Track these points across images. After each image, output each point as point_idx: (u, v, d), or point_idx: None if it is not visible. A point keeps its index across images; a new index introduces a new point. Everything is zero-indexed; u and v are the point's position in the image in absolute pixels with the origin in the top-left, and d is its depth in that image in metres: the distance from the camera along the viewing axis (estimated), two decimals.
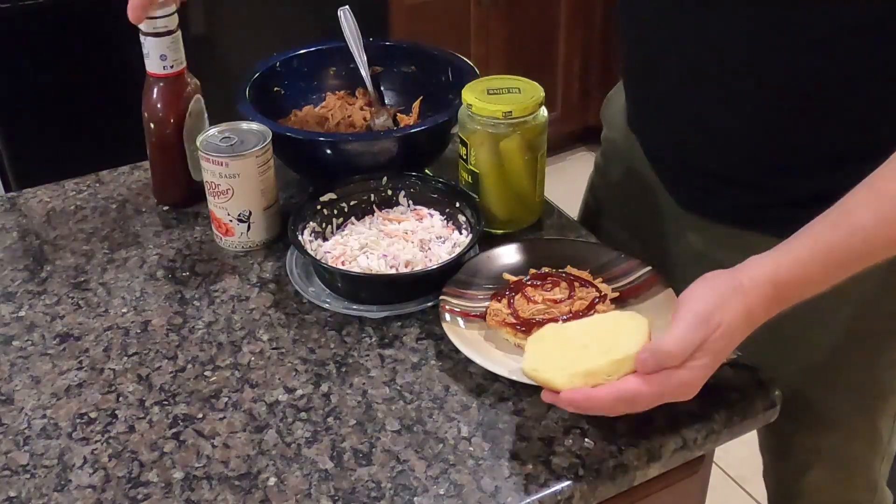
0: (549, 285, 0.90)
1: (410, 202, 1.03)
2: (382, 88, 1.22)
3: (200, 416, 0.81)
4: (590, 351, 0.76)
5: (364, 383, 0.84)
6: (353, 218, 1.02)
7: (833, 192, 0.73)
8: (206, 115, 1.09)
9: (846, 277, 0.74)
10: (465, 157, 1.01)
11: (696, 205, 0.98)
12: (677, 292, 0.88)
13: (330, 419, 0.80)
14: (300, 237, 0.96)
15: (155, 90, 1.04)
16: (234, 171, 0.97)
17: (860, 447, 1.01)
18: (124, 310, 0.94)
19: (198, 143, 0.99)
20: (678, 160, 0.97)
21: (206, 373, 0.86)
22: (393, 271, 0.93)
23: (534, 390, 0.82)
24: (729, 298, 0.71)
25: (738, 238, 0.92)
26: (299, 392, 0.83)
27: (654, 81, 0.96)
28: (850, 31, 0.79)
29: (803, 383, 0.96)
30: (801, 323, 0.93)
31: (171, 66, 1.02)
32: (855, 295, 0.90)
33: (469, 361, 0.84)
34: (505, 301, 0.88)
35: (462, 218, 1.00)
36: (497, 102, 0.96)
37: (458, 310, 0.89)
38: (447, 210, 1.01)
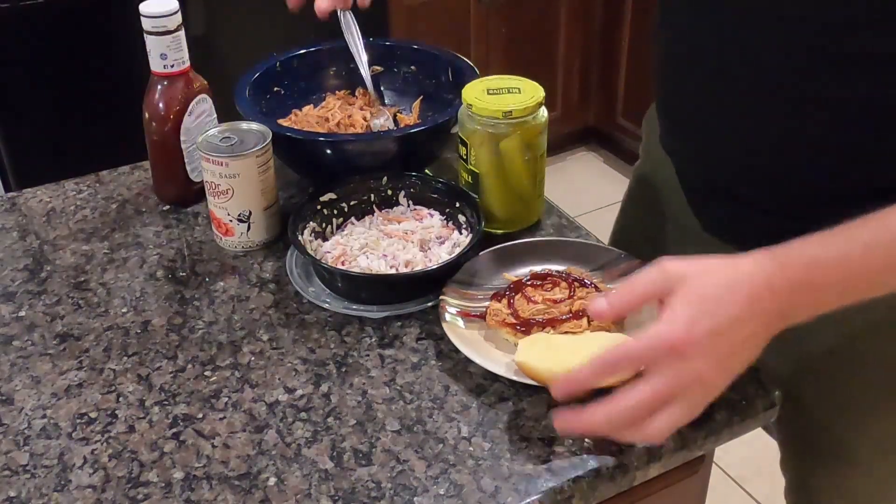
0: (549, 285, 0.90)
1: (410, 202, 1.03)
2: (382, 88, 1.22)
3: (200, 416, 0.81)
4: (581, 353, 0.78)
5: (364, 383, 0.84)
6: (353, 218, 1.02)
7: None
8: (213, 114, 1.09)
9: (880, 287, 0.69)
10: (465, 157, 1.01)
11: (721, 229, 0.95)
12: None
13: (330, 419, 0.80)
14: (300, 237, 0.96)
15: (156, 89, 1.04)
16: (234, 171, 0.97)
17: (874, 486, 1.00)
18: (124, 310, 0.94)
19: (198, 143, 0.99)
20: (706, 182, 0.94)
21: (206, 373, 0.86)
22: (393, 271, 0.93)
23: (534, 390, 0.82)
24: (724, 288, 0.66)
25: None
26: (299, 392, 0.83)
27: (687, 100, 0.92)
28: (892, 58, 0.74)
29: (832, 421, 0.96)
30: (839, 361, 0.92)
31: (172, 66, 1.03)
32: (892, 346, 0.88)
33: (469, 361, 0.84)
34: (505, 301, 0.88)
35: (462, 218, 1.00)
36: (497, 102, 0.96)
37: (458, 310, 0.89)
38: (447, 210, 1.01)
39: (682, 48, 0.91)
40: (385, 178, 1.03)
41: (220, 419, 0.81)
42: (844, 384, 0.93)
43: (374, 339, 0.89)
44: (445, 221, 1.01)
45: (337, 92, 1.21)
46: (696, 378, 0.66)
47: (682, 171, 1.00)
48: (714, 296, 0.65)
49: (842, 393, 0.94)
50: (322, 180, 1.04)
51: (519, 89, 0.99)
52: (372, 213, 1.03)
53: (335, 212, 1.01)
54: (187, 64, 1.04)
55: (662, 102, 1.00)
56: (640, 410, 0.67)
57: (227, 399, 0.83)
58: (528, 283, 0.91)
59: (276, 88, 1.18)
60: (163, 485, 0.75)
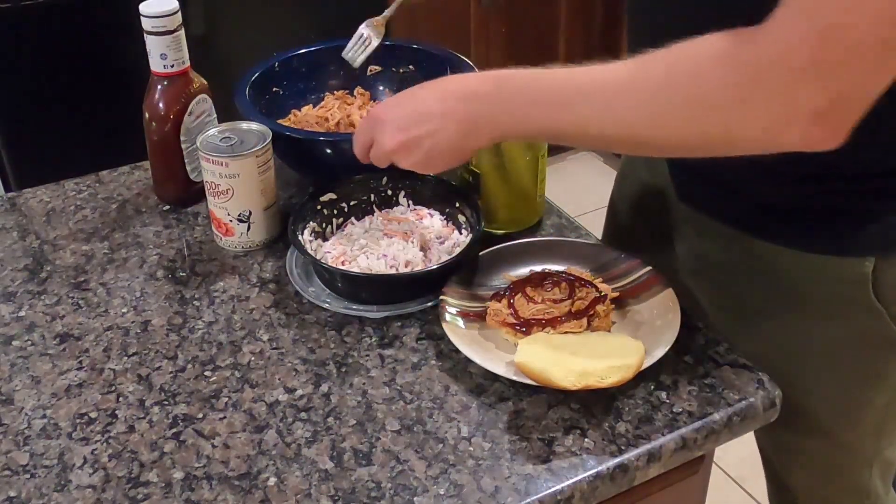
0: (549, 285, 0.90)
1: (410, 202, 1.03)
2: (382, 88, 1.22)
3: (200, 416, 0.81)
4: (581, 353, 0.80)
5: (364, 383, 0.84)
6: (353, 218, 1.02)
7: (849, 208, 0.70)
8: (213, 114, 1.09)
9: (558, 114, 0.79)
10: None
11: (708, 208, 0.96)
12: (678, 293, 0.89)
13: (330, 419, 0.80)
14: (300, 237, 0.96)
15: (156, 89, 1.04)
16: (234, 171, 0.97)
17: (841, 455, 1.00)
18: (124, 310, 0.94)
19: (198, 143, 0.99)
20: (692, 166, 0.95)
21: (206, 373, 0.86)
22: (393, 271, 0.93)
23: (534, 390, 0.82)
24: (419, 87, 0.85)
25: (742, 242, 0.92)
26: (299, 392, 0.83)
27: None
28: None
29: (789, 386, 0.96)
30: (790, 334, 0.93)
31: (172, 66, 1.03)
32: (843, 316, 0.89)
33: (469, 361, 0.84)
34: (505, 301, 0.88)
35: (462, 218, 1.00)
36: None
37: (458, 310, 0.89)
38: (447, 210, 1.01)
39: (643, 26, 0.92)
40: (385, 178, 1.03)
41: (220, 419, 0.81)
42: (794, 352, 0.94)
43: (374, 339, 0.89)
44: (445, 221, 1.01)
45: (336, 92, 1.21)
46: (389, 143, 0.85)
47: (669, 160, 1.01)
48: (410, 93, 0.86)
49: (793, 358, 0.94)
50: (322, 180, 1.04)
51: None
52: (372, 213, 1.03)
53: (335, 212, 1.01)
54: (187, 64, 1.04)
55: None
56: (361, 149, 0.91)
57: (227, 399, 0.83)
58: (529, 283, 0.91)
59: (275, 88, 1.18)
60: (163, 485, 0.75)
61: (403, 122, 0.84)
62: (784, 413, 0.85)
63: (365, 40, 1.15)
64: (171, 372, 0.86)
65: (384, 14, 1.15)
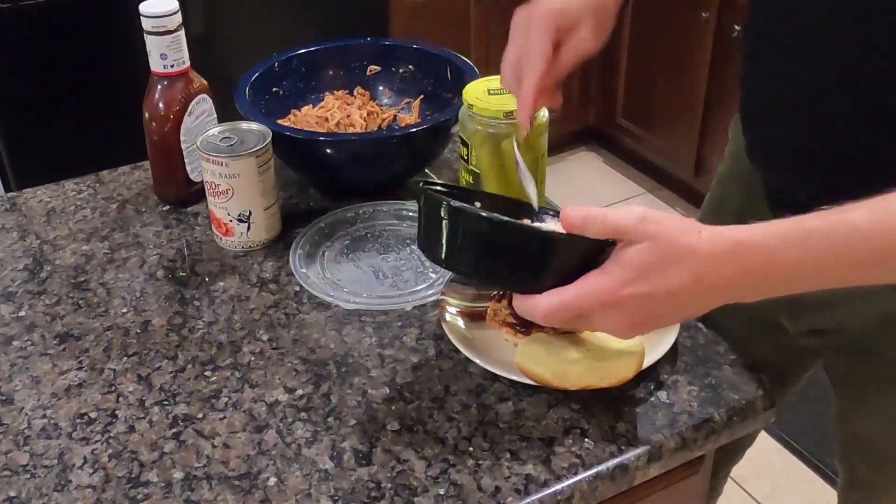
0: None
1: None
2: (382, 88, 1.22)
3: (200, 416, 0.81)
4: (581, 353, 0.79)
5: (364, 383, 0.84)
6: None
7: None
8: (213, 114, 1.09)
9: (830, 278, 0.67)
10: (465, 158, 1.01)
11: None
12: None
13: (330, 419, 0.80)
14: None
15: (156, 89, 1.04)
16: (234, 171, 0.97)
17: None
18: (124, 310, 0.94)
19: (198, 143, 0.99)
20: (790, 189, 0.90)
21: (206, 373, 0.86)
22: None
23: (534, 390, 0.82)
24: (672, 262, 0.66)
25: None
26: (299, 392, 0.83)
27: (775, 104, 0.88)
28: None
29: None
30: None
31: (172, 66, 1.03)
32: None
33: (469, 361, 0.84)
34: (505, 301, 0.88)
35: None
36: (498, 103, 0.96)
37: (458, 310, 0.89)
38: None
39: (769, 56, 0.88)
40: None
41: (220, 419, 0.81)
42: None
43: (374, 339, 0.89)
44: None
45: (336, 92, 1.21)
46: (615, 328, 0.71)
47: (769, 184, 0.95)
48: (661, 264, 0.67)
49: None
50: (322, 180, 1.04)
51: None
52: None
53: None
54: (187, 64, 1.04)
55: (747, 115, 0.96)
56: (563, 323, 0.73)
57: (227, 399, 0.83)
58: None
59: (275, 88, 1.18)
60: (163, 485, 0.75)
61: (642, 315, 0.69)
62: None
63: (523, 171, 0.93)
64: (171, 372, 0.86)
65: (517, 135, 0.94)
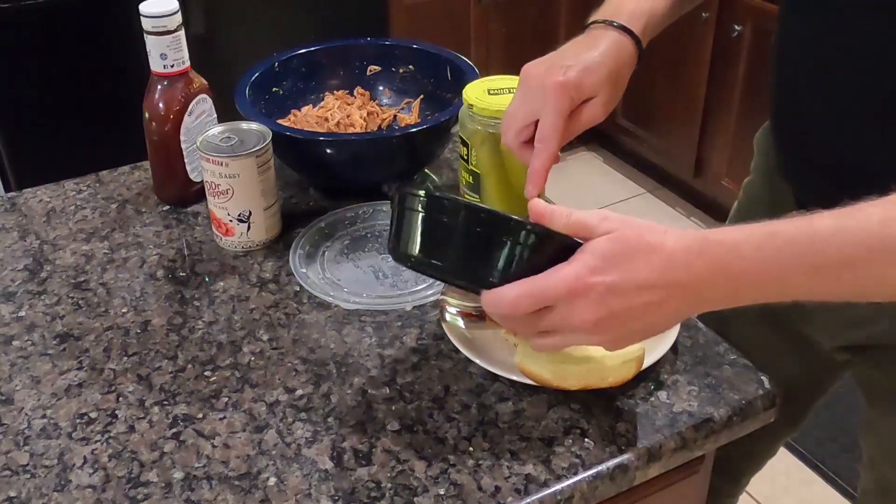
0: None
1: None
2: (382, 88, 1.22)
3: (200, 416, 0.81)
4: (581, 353, 0.79)
5: (364, 383, 0.84)
6: None
7: None
8: (213, 114, 1.09)
9: (797, 283, 0.66)
10: (465, 158, 1.01)
11: None
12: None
13: (330, 419, 0.80)
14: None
15: (156, 89, 1.04)
16: (234, 171, 0.97)
17: None
18: (124, 310, 0.94)
19: (198, 143, 0.99)
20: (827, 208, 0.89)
21: (206, 373, 0.86)
22: None
23: (534, 390, 0.82)
24: (638, 253, 0.65)
25: None
26: (299, 392, 0.83)
27: (811, 121, 0.86)
28: None
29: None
30: None
31: (172, 66, 1.03)
32: None
33: (469, 361, 0.84)
34: None
35: None
36: (498, 102, 0.96)
37: (458, 310, 0.88)
38: None
39: (801, 73, 0.86)
40: None
41: (220, 419, 0.81)
42: None
43: (374, 339, 0.89)
44: None
45: (336, 92, 1.21)
46: (580, 323, 0.67)
47: (799, 199, 0.93)
48: (628, 255, 0.66)
49: None
50: (322, 180, 1.04)
51: None
52: None
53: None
54: (187, 64, 1.04)
55: (779, 133, 0.94)
56: (509, 321, 0.70)
57: (227, 399, 0.83)
58: None
59: (275, 88, 1.18)
60: (163, 485, 0.75)
61: (617, 288, 0.66)
62: None
63: None
64: (171, 372, 0.86)
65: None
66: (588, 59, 0.85)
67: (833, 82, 0.82)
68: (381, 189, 1.08)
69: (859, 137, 0.82)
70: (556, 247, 0.69)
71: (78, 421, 0.81)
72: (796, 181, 0.94)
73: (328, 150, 1.05)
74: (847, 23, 0.79)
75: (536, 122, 0.85)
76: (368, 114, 1.18)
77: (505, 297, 0.68)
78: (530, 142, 0.86)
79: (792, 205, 0.94)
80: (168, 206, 1.11)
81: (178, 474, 0.75)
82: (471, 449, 0.77)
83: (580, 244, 0.68)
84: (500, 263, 0.69)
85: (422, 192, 0.72)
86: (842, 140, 0.84)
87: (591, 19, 0.90)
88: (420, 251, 0.73)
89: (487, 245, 0.70)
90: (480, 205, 0.71)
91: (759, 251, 0.65)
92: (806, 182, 0.92)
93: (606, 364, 0.79)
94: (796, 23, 0.86)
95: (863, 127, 0.81)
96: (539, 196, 1.01)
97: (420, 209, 0.72)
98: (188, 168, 1.08)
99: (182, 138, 1.06)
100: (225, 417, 0.81)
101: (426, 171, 1.16)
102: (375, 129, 1.17)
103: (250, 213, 1.00)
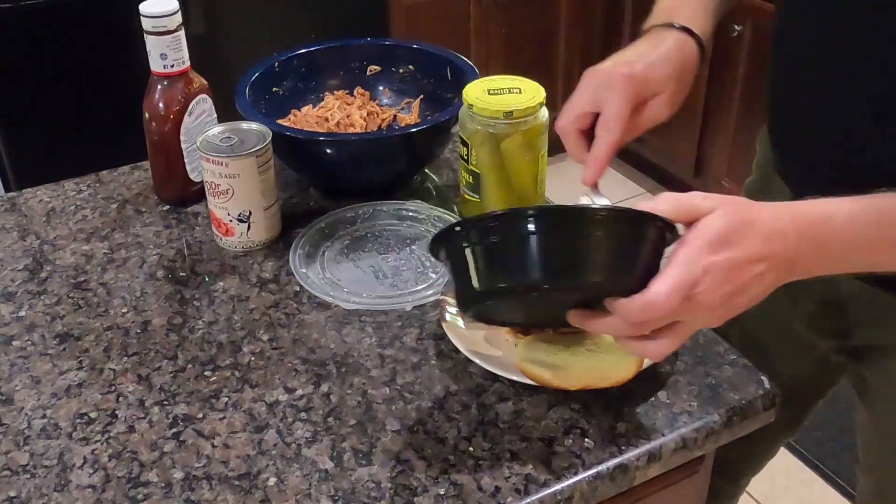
0: None
1: None
2: (382, 88, 1.22)
3: (200, 416, 0.81)
4: (581, 353, 0.78)
5: (364, 383, 0.84)
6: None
7: None
8: (213, 114, 1.09)
9: (885, 252, 0.69)
10: (465, 158, 1.01)
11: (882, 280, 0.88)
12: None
13: (330, 419, 0.80)
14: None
15: (156, 89, 1.04)
16: (234, 171, 0.97)
17: None
18: (124, 310, 0.94)
19: (198, 143, 0.99)
20: None
21: (206, 373, 0.86)
22: None
23: (534, 390, 0.82)
24: (744, 224, 0.66)
25: (876, 296, 0.87)
26: (299, 392, 0.83)
27: (807, 124, 0.87)
28: None
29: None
30: None
31: (172, 66, 1.03)
32: None
33: (469, 361, 0.84)
34: None
35: None
36: (498, 103, 0.96)
37: (458, 310, 0.88)
38: None
39: (793, 71, 0.87)
40: None
41: (220, 419, 0.81)
42: None
43: (374, 339, 0.89)
44: None
45: (336, 92, 1.21)
46: (707, 304, 0.65)
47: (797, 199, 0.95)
48: (737, 230, 0.66)
49: None
50: (322, 180, 1.04)
51: (520, 90, 0.99)
52: None
53: None
54: (187, 64, 1.04)
55: (775, 134, 0.95)
56: (650, 323, 0.66)
57: (227, 399, 0.83)
58: None
59: (275, 88, 1.18)
60: (163, 485, 0.75)
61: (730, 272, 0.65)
62: None
63: None
64: (171, 372, 0.86)
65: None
66: (653, 56, 0.84)
67: (830, 80, 0.82)
68: (391, 191, 1.05)
69: (855, 137, 0.82)
70: (655, 231, 0.66)
71: (78, 421, 0.81)
72: (792, 180, 0.95)
73: (328, 150, 1.05)
74: (845, 20, 0.79)
75: (596, 116, 0.84)
76: (368, 114, 1.18)
77: (656, 297, 0.64)
78: (584, 133, 0.84)
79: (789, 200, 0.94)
80: (168, 206, 1.11)
81: (178, 474, 0.75)
82: (471, 449, 0.77)
83: (671, 228, 0.67)
84: (635, 262, 0.65)
85: (532, 210, 0.65)
86: (837, 139, 0.84)
87: (649, 24, 0.88)
88: (542, 275, 0.65)
89: (624, 246, 0.65)
90: (567, 206, 0.66)
91: (852, 223, 0.68)
92: (802, 181, 0.92)
93: (606, 364, 0.79)
94: (793, 20, 0.86)
95: (859, 126, 0.81)
96: (539, 191, 1.01)
97: (485, 239, 0.64)
98: (188, 168, 1.08)
99: (182, 138, 1.06)
100: (225, 417, 0.81)
101: (426, 170, 1.16)
102: (375, 129, 1.17)
103: (250, 213, 1.00)
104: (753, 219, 0.66)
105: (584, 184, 0.83)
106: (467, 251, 0.67)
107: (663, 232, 0.67)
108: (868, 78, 0.79)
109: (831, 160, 0.85)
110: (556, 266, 0.65)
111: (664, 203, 0.67)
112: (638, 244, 0.66)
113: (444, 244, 0.68)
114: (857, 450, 1.04)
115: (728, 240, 0.65)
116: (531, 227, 0.64)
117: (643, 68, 0.83)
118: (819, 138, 0.86)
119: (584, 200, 0.83)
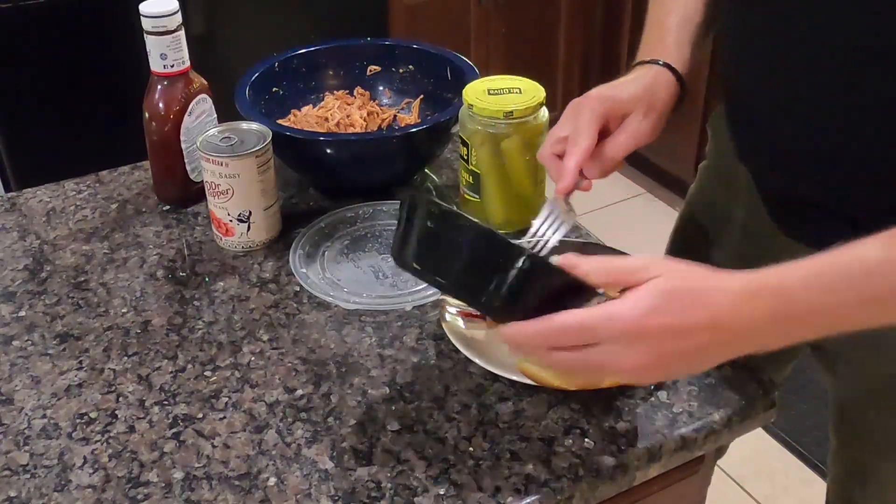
0: None
1: None
2: (382, 88, 1.22)
3: (200, 416, 0.81)
4: None
5: (364, 383, 0.84)
6: None
7: None
8: (213, 114, 1.09)
9: (848, 318, 0.66)
10: (465, 158, 1.01)
11: (802, 233, 0.89)
12: None
13: (330, 419, 0.80)
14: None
15: (156, 89, 1.04)
16: (234, 171, 0.97)
17: None
18: (124, 310, 0.94)
19: (198, 143, 0.99)
20: (784, 188, 0.90)
21: (206, 373, 0.86)
22: None
23: (534, 390, 0.82)
24: (694, 295, 0.65)
25: None
26: (299, 392, 0.83)
27: (759, 103, 0.88)
28: None
29: (865, 406, 0.95)
30: (866, 349, 0.90)
31: (172, 66, 1.03)
32: None
33: (469, 361, 0.84)
34: None
35: None
36: (498, 103, 0.96)
37: (458, 310, 0.89)
38: None
39: (742, 53, 0.88)
40: None
41: (220, 419, 0.81)
42: (872, 370, 0.91)
43: (374, 339, 0.89)
44: None
45: (336, 92, 1.21)
46: (631, 365, 0.65)
47: (758, 177, 0.95)
48: (681, 297, 0.65)
49: (870, 377, 0.91)
50: (322, 180, 1.04)
51: (520, 89, 0.99)
52: None
53: None
54: (187, 64, 1.04)
55: (729, 112, 0.96)
56: (571, 363, 0.67)
57: (227, 399, 0.83)
58: None
59: (275, 88, 1.18)
60: (163, 485, 0.75)
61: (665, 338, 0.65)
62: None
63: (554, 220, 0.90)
64: (171, 372, 0.86)
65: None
66: (624, 79, 0.90)
67: (779, 64, 0.83)
68: (391, 191, 1.07)
69: (807, 119, 0.82)
70: (572, 286, 0.67)
71: (78, 421, 0.81)
72: (752, 163, 0.95)
73: (328, 150, 1.05)
74: (793, 4, 0.79)
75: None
76: (368, 114, 1.18)
77: (552, 324, 0.65)
78: (562, 155, 0.88)
79: (750, 186, 0.96)
80: (168, 206, 1.11)
81: (178, 474, 0.75)
82: (471, 449, 0.77)
83: (595, 293, 0.66)
84: (506, 290, 0.66)
85: (439, 204, 0.69)
86: (791, 122, 0.84)
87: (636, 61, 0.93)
88: (422, 263, 0.70)
89: (493, 270, 0.67)
90: (496, 231, 0.69)
91: (808, 292, 0.65)
92: (762, 163, 0.93)
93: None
94: (742, 5, 0.87)
95: (811, 109, 0.81)
96: (538, 191, 1.01)
97: (433, 222, 0.69)
98: (188, 168, 1.08)
99: (182, 138, 1.06)
100: (225, 417, 0.81)
101: (426, 170, 1.16)
102: (375, 129, 1.17)
103: (250, 213, 1.00)
104: (703, 290, 0.65)
105: (556, 194, 0.87)
106: (403, 213, 0.71)
107: (544, 273, 0.67)
108: (815, 58, 0.79)
109: (786, 141, 0.86)
110: (429, 258, 0.70)
111: (595, 278, 0.67)
112: (500, 270, 0.66)
113: (411, 205, 0.72)
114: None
115: (668, 307, 0.64)
116: (431, 222, 0.69)
117: (609, 89, 0.89)
118: (772, 120, 0.87)
119: (546, 209, 0.87)
